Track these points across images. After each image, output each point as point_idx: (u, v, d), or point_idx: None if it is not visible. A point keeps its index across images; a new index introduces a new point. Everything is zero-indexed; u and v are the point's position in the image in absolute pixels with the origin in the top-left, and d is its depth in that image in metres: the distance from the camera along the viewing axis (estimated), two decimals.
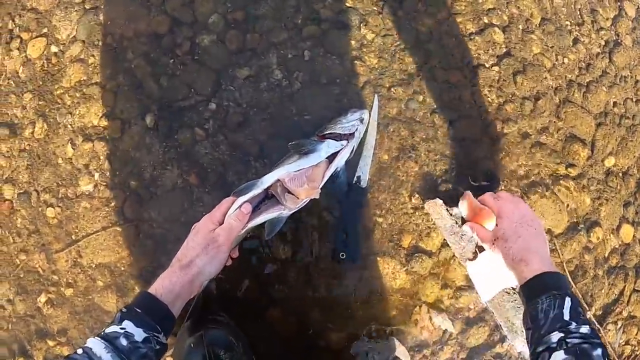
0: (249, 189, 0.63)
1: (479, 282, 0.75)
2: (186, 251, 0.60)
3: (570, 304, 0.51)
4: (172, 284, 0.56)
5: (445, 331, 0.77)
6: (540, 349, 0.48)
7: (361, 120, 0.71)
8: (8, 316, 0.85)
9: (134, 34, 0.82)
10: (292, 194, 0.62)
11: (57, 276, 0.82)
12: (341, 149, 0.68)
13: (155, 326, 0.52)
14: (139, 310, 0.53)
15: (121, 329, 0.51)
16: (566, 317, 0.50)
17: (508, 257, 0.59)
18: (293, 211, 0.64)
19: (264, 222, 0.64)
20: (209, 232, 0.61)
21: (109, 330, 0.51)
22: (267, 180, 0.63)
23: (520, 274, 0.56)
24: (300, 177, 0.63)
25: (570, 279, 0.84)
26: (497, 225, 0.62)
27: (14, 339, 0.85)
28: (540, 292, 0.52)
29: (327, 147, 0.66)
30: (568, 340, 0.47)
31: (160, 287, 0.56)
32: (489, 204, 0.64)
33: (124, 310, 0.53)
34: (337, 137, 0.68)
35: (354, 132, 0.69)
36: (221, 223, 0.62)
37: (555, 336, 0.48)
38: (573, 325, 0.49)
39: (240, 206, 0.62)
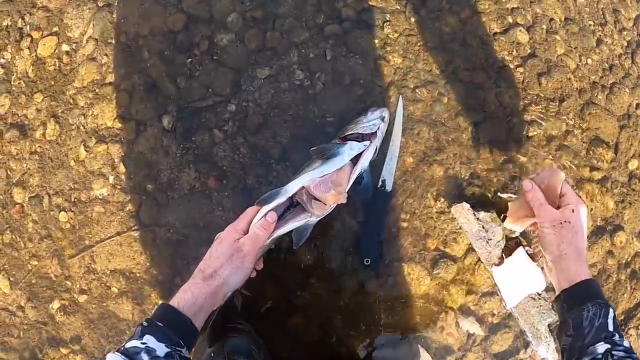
0: (273, 198, 0.61)
1: (504, 287, 0.74)
2: (210, 261, 0.58)
3: (613, 314, 0.50)
4: (194, 297, 0.54)
5: (469, 337, 0.76)
6: (586, 359, 0.47)
7: (382, 119, 0.69)
8: (19, 323, 0.83)
9: (149, 32, 0.79)
10: (319, 201, 0.60)
11: (70, 282, 0.80)
12: (364, 150, 0.66)
13: (178, 341, 0.50)
14: (161, 324, 0.50)
15: (142, 343, 0.48)
16: (610, 327, 0.49)
17: (558, 249, 0.57)
18: (320, 218, 0.62)
19: (290, 231, 0.62)
20: (234, 241, 0.59)
21: (129, 345, 0.48)
22: (292, 188, 0.62)
23: (574, 270, 0.54)
24: (325, 183, 0.61)
25: None
26: (573, 211, 0.58)
27: (26, 347, 0.83)
28: (586, 299, 0.51)
29: (350, 149, 0.64)
30: (614, 352, 0.46)
31: (183, 299, 0.54)
32: (567, 191, 0.61)
33: (145, 323, 0.51)
34: (359, 138, 0.66)
35: (375, 132, 0.67)
36: (246, 232, 0.60)
37: (602, 347, 0.47)
38: (617, 337, 0.48)
39: (265, 215, 0.60)
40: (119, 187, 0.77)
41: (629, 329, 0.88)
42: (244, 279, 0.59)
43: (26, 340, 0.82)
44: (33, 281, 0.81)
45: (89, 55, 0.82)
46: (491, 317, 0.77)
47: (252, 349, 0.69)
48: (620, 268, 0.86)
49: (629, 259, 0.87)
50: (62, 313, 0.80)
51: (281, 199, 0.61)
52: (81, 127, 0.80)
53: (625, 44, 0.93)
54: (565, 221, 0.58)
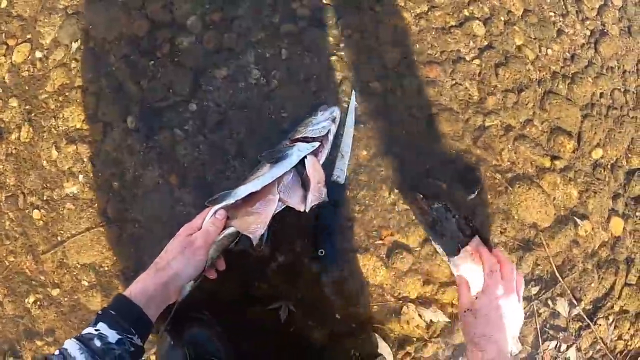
0: (223, 199, 0.64)
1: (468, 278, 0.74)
2: (164, 254, 0.62)
3: None
4: (145, 286, 0.57)
5: (429, 327, 0.76)
6: None
7: (333, 120, 0.70)
8: None
9: (114, 38, 0.83)
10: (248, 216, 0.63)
11: (44, 277, 0.84)
12: (320, 152, 0.67)
13: (128, 328, 0.53)
14: (113, 312, 0.53)
15: (95, 330, 0.52)
16: None
17: (469, 335, 0.60)
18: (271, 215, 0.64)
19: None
20: (187, 236, 0.63)
21: (84, 332, 0.52)
22: (241, 192, 0.64)
23: (470, 358, 0.56)
24: (294, 187, 0.64)
25: (557, 274, 0.82)
26: (476, 297, 0.61)
27: (4, 339, 0.87)
28: None
29: (299, 150, 0.65)
30: None
31: (134, 288, 0.57)
32: (484, 272, 0.63)
33: (100, 312, 0.54)
34: (309, 140, 0.67)
35: (326, 134, 0.68)
36: (198, 226, 0.64)
37: None
38: None
39: (214, 213, 0.64)
40: (87, 185, 0.81)
41: (598, 318, 0.87)
42: (197, 272, 0.62)
43: (5, 333, 0.86)
44: (10, 277, 0.85)
45: (60, 60, 0.86)
46: (450, 307, 0.78)
47: (212, 338, 0.72)
48: (587, 257, 0.86)
49: (596, 248, 0.86)
50: (37, 307, 0.83)
51: (230, 201, 0.64)
52: (53, 130, 0.84)
53: (588, 33, 0.93)
54: (468, 309, 0.61)
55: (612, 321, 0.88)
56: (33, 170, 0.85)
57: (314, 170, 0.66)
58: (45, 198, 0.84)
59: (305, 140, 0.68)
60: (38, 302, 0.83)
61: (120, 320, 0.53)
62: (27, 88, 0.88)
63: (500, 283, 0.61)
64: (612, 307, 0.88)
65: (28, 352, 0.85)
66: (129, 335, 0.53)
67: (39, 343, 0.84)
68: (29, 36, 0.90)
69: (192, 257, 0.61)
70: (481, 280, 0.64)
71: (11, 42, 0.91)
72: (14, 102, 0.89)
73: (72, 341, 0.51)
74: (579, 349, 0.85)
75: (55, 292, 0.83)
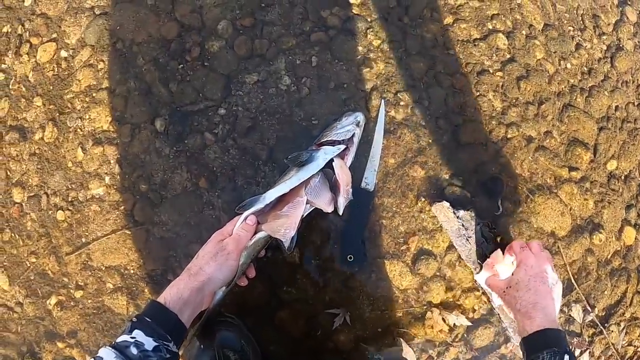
0: (252, 204, 0.65)
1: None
2: (196, 260, 0.62)
3: (568, 359, 0.54)
4: (180, 291, 0.57)
5: (451, 331, 0.78)
6: None
7: (357, 124, 0.71)
8: (18, 318, 0.86)
9: (143, 40, 0.83)
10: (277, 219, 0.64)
11: (67, 278, 0.83)
12: (346, 155, 0.68)
13: (165, 335, 0.53)
14: (149, 320, 0.53)
15: (131, 338, 0.52)
16: None
17: (514, 307, 0.61)
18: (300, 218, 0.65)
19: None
20: (218, 242, 0.63)
21: (119, 339, 0.52)
22: (270, 196, 0.65)
23: (523, 327, 0.58)
24: (322, 190, 0.65)
25: (574, 282, 0.85)
26: (513, 274, 0.64)
27: (23, 341, 0.86)
28: (541, 347, 0.54)
29: (324, 153, 0.66)
30: None
31: (169, 295, 0.57)
32: (514, 251, 0.66)
33: (135, 319, 0.54)
34: (334, 144, 0.69)
35: (351, 137, 0.70)
36: (229, 232, 0.64)
37: None
38: None
39: (245, 219, 0.65)
40: (114, 187, 0.81)
41: (611, 325, 0.90)
42: (229, 277, 0.63)
43: (24, 335, 0.85)
44: (31, 278, 0.85)
45: (86, 61, 0.86)
46: (472, 312, 0.80)
47: (241, 342, 0.72)
48: (600, 266, 0.89)
49: (609, 257, 0.89)
50: (59, 308, 0.83)
51: (259, 206, 0.65)
52: (78, 130, 0.84)
53: (605, 48, 0.96)
54: (507, 287, 0.64)
55: (623, 328, 0.91)
56: (57, 171, 0.84)
57: (342, 173, 0.68)
58: (69, 199, 0.83)
59: (331, 143, 0.69)
60: (60, 304, 0.83)
61: (156, 327, 0.53)
62: (51, 88, 0.88)
63: (531, 256, 0.64)
64: (623, 314, 0.91)
65: (48, 354, 0.84)
66: (165, 342, 0.53)
67: (60, 345, 0.84)
68: (54, 35, 0.90)
69: (225, 262, 0.61)
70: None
71: (35, 41, 0.91)
72: (38, 102, 0.88)
73: (107, 349, 0.50)
74: (592, 354, 0.88)
75: (78, 294, 0.82)
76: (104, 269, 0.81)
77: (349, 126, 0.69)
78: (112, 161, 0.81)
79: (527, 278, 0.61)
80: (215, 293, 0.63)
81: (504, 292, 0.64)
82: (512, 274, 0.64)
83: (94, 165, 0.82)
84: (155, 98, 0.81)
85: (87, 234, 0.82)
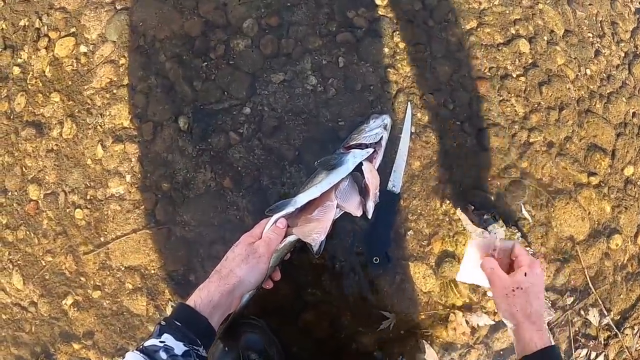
0: (283, 207, 0.65)
1: (467, 261, 0.72)
2: (226, 262, 0.61)
3: None
4: (210, 295, 0.56)
5: (473, 333, 0.79)
6: None
7: (384, 127, 0.71)
8: (32, 318, 0.84)
9: (166, 36, 0.82)
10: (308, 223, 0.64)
11: (84, 278, 0.82)
12: (374, 158, 0.69)
13: (195, 339, 0.52)
14: (179, 324, 0.52)
15: (160, 342, 0.50)
16: None
17: (524, 312, 0.57)
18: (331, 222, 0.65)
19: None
20: (249, 244, 0.62)
21: (147, 343, 0.50)
22: (301, 200, 0.65)
23: (530, 338, 0.55)
24: (351, 193, 0.65)
25: (591, 285, 0.86)
26: (526, 274, 0.59)
27: (37, 342, 0.84)
28: None
29: (354, 157, 0.66)
30: None
31: (199, 298, 0.55)
32: (520, 252, 0.62)
33: (163, 323, 0.52)
34: (362, 147, 0.69)
35: (379, 140, 0.70)
36: (260, 239, 0.63)
37: None
38: None
39: (275, 222, 0.64)
40: (135, 185, 0.79)
41: (625, 328, 0.91)
42: (259, 280, 0.62)
43: (38, 335, 0.83)
44: (47, 277, 0.83)
45: (107, 57, 0.84)
46: (493, 315, 0.80)
47: (265, 344, 0.71)
48: (617, 270, 0.90)
49: (625, 262, 0.91)
50: (75, 309, 0.81)
51: (290, 209, 0.65)
52: (98, 127, 0.82)
53: (623, 55, 0.97)
54: (517, 287, 0.58)
55: (637, 331, 0.92)
56: (76, 169, 0.83)
57: (372, 176, 0.68)
58: (88, 197, 0.81)
59: (360, 147, 0.69)
60: (77, 304, 0.81)
61: (186, 331, 0.52)
62: (70, 83, 0.86)
63: (539, 265, 0.61)
64: (637, 317, 0.92)
65: (64, 355, 0.83)
66: (195, 347, 0.52)
67: (75, 346, 0.82)
68: (72, 30, 0.88)
69: (256, 265, 0.60)
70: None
71: (53, 35, 0.89)
72: (55, 97, 0.86)
73: (135, 354, 0.49)
74: (607, 357, 0.90)
75: (96, 295, 0.81)
76: (123, 269, 0.79)
77: (377, 129, 0.69)
78: (133, 159, 0.80)
79: (540, 284, 0.57)
80: (242, 296, 0.62)
81: (508, 295, 0.57)
82: (525, 275, 0.58)
83: (114, 163, 0.81)
84: (179, 96, 0.80)
85: (106, 233, 0.80)
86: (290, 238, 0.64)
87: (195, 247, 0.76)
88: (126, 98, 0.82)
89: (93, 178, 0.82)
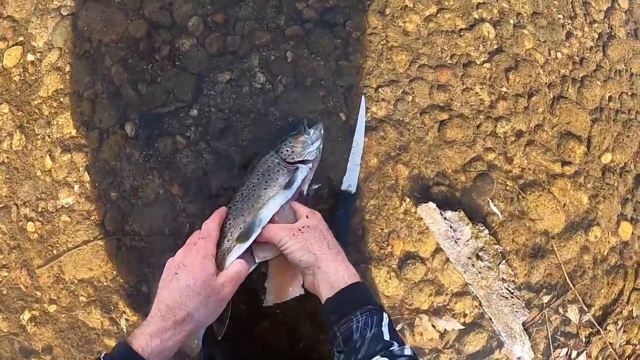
0: (252, 230, 0.58)
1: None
2: (180, 299, 0.50)
3: (387, 320, 0.45)
4: (162, 345, 0.47)
5: (442, 337, 0.75)
6: None
7: (322, 137, 0.67)
8: None
9: (111, 39, 0.79)
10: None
11: (39, 292, 0.80)
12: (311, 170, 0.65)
13: None
14: None
15: None
16: (386, 336, 0.43)
17: (320, 243, 0.51)
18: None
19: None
20: (210, 278, 0.51)
21: None
22: (265, 217, 0.59)
23: (335, 270, 0.48)
24: (286, 212, 0.61)
25: (569, 281, 0.82)
26: (307, 216, 0.55)
27: None
28: (354, 307, 0.46)
29: (301, 173, 0.64)
30: None
31: (149, 346, 0.47)
32: (296, 207, 0.59)
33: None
34: (305, 162, 0.65)
35: (317, 156, 0.67)
36: (214, 255, 0.54)
37: None
38: (395, 346, 0.42)
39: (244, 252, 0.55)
40: (84, 195, 0.77)
41: (607, 324, 0.87)
42: (215, 319, 0.53)
43: None
44: (4, 292, 0.81)
45: (53, 64, 0.82)
46: (463, 317, 0.76)
47: (221, 353, 0.68)
48: (597, 264, 0.85)
49: (605, 254, 0.86)
50: (32, 324, 0.79)
51: (258, 231, 0.58)
52: (46, 137, 0.80)
53: (596, 36, 0.92)
54: (304, 226, 0.53)
55: (621, 326, 0.87)
56: (26, 181, 0.81)
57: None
58: (39, 210, 0.79)
59: (304, 162, 0.65)
60: (34, 319, 0.79)
61: None
62: (18, 93, 0.84)
63: (304, 209, 0.57)
64: (620, 312, 0.87)
65: None
66: None
67: None
68: (20, 39, 0.85)
69: (218, 308, 0.52)
70: None
71: (2, 45, 0.86)
72: (4, 108, 0.84)
73: None
74: (589, 356, 0.85)
75: (52, 309, 0.79)
76: (76, 281, 0.77)
77: (317, 142, 0.66)
78: (81, 169, 0.77)
79: (322, 226, 0.53)
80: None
81: (295, 234, 0.52)
82: (307, 217, 0.54)
83: (62, 174, 0.79)
84: (124, 101, 0.77)
85: (58, 245, 0.78)
86: (256, 264, 0.60)
87: (146, 257, 0.73)
88: (73, 106, 0.79)
89: (43, 190, 0.80)
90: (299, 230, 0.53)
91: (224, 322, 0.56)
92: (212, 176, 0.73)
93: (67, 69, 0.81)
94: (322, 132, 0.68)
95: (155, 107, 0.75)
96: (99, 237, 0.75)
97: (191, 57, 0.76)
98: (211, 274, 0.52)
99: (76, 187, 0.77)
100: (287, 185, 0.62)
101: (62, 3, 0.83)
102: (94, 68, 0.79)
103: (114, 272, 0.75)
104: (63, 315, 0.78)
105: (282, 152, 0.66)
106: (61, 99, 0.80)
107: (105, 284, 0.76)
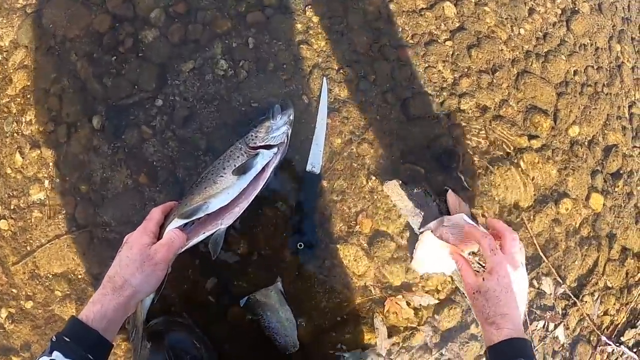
0: (195, 212, 0.60)
1: (419, 253, 0.72)
2: (119, 269, 0.56)
3: None
4: (104, 309, 0.53)
5: (417, 314, 0.75)
6: None
7: (290, 123, 0.68)
8: None
9: (76, 35, 0.80)
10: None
11: (16, 290, 0.80)
12: (272, 158, 0.65)
13: (85, 355, 0.50)
14: (68, 340, 0.50)
15: None
16: None
17: (482, 314, 0.58)
18: (230, 223, 0.63)
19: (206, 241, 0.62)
20: (145, 247, 0.57)
21: None
22: (213, 205, 0.61)
23: (489, 336, 0.56)
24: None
25: (541, 253, 0.82)
26: (484, 279, 0.59)
27: None
28: (508, 357, 0.52)
29: (262, 158, 0.64)
30: None
31: (91, 312, 0.53)
32: (484, 253, 0.60)
33: (54, 339, 0.51)
34: (269, 148, 0.65)
35: (284, 141, 0.67)
36: (156, 235, 0.60)
37: None
38: None
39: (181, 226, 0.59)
40: (54, 190, 0.77)
41: (584, 295, 0.87)
42: (157, 286, 0.58)
43: None
44: None
45: (20, 62, 0.82)
46: (437, 293, 0.77)
47: (193, 341, 0.69)
48: (569, 235, 0.86)
49: (578, 226, 0.86)
50: (10, 321, 0.79)
51: (201, 214, 0.61)
52: (15, 134, 0.80)
53: (559, 12, 0.93)
54: (477, 291, 0.58)
55: (598, 297, 0.88)
56: None
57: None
58: (12, 207, 0.80)
59: (267, 147, 0.65)
60: (11, 316, 0.79)
61: (75, 347, 0.50)
62: None
63: (504, 261, 0.59)
64: (596, 283, 0.88)
65: None
66: None
67: (14, 359, 0.81)
68: None
69: (153, 273, 0.56)
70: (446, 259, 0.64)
71: None
72: None
73: None
74: (566, 327, 0.85)
75: (28, 305, 0.79)
76: (51, 276, 0.77)
77: (283, 127, 0.66)
78: (50, 164, 0.78)
79: (500, 289, 0.57)
80: (142, 301, 0.59)
81: (473, 295, 0.59)
82: (483, 280, 0.58)
83: (33, 170, 0.79)
84: (91, 94, 0.77)
85: (31, 241, 0.78)
86: (191, 242, 0.61)
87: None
88: (40, 102, 0.79)
89: (15, 187, 0.80)
90: (474, 294, 0.59)
91: (159, 290, 0.59)
92: (178, 164, 0.73)
93: (34, 66, 0.81)
94: (292, 117, 0.68)
95: (120, 99, 0.76)
96: (71, 230, 0.75)
97: (154, 48, 0.76)
98: (146, 244, 0.58)
99: (46, 182, 0.78)
100: (242, 171, 0.62)
101: (27, 1, 0.84)
102: (60, 64, 0.80)
103: (87, 265, 0.75)
104: (40, 311, 0.79)
105: (247, 137, 0.67)
106: (28, 96, 0.81)
107: (79, 277, 0.76)
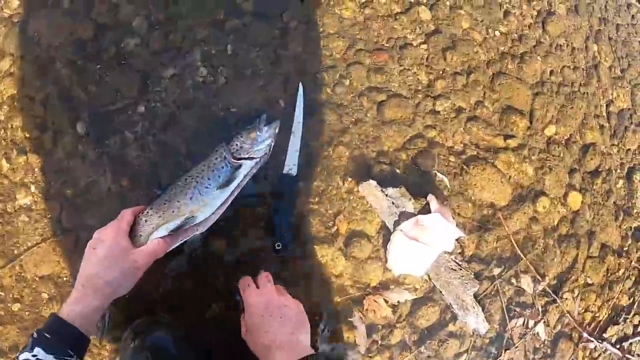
0: (183, 227, 0.63)
1: (394, 253, 0.73)
2: (100, 269, 0.59)
3: None
4: (85, 308, 0.56)
5: (395, 311, 0.76)
6: None
7: (275, 136, 0.68)
8: None
9: (60, 43, 0.82)
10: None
11: (3, 292, 0.82)
12: (252, 169, 0.67)
13: (67, 351, 0.52)
14: (49, 336, 0.53)
15: (33, 355, 0.51)
16: None
17: (256, 351, 0.58)
18: (206, 228, 0.65)
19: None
20: (126, 251, 0.60)
21: (21, 357, 0.52)
22: (200, 218, 0.64)
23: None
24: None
25: (519, 251, 0.83)
26: (244, 317, 0.60)
27: None
28: None
29: (244, 169, 0.66)
30: None
31: (73, 312, 0.56)
32: (241, 291, 0.63)
33: (35, 335, 0.53)
34: (252, 159, 0.66)
35: (267, 152, 0.68)
36: (127, 233, 0.62)
37: None
38: None
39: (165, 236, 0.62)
40: (40, 195, 0.79)
41: (564, 293, 0.88)
42: (131, 287, 0.61)
43: None
44: None
45: (7, 70, 0.85)
46: (414, 291, 0.78)
47: (174, 341, 0.71)
48: (547, 233, 0.87)
49: (556, 224, 0.88)
50: None
51: (186, 227, 0.63)
52: (2, 141, 0.83)
53: (535, 13, 0.94)
54: (246, 333, 0.59)
55: (578, 294, 0.89)
56: None
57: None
58: None
59: (251, 158, 0.66)
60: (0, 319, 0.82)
61: (56, 344, 0.52)
62: None
63: (253, 294, 0.61)
64: (576, 280, 0.89)
65: None
66: (67, 358, 0.53)
67: None
68: None
69: (133, 276, 0.60)
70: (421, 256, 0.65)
71: None
72: None
73: None
74: (547, 324, 0.86)
75: (15, 308, 0.81)
76: (37, 279, 0.79)
77: (268, 140, 0.67)
78: (36, 169, 0.80)
79: (259, 320, 0.58)
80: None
81: (246, 338, 0.60)
82: (244, 318, 0.60)
83: (19, 175, 0.81)
84: (75, 101, 0.80)
85: (18, 245, 0.80)
86: (171, 247, 0.64)
87: None
88: (26, 109, 0.82)
89: (2, 192, 0.82)
90: (246, 337, 0.60)
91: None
92: (160, 168, 0.75)
93: (19, 74, 0.84)
94: (277, 130, 0.68)
95: (104, 105, 0.78)
96: (56, 234, 0.77)
97: (136, 55, 0.79)
98: (126, 248, 0.61)
99: (32, 187, 0.80)
100: (226, 184, 0.64)
101: (13, 11, 0.86)
102: (45, 72, 0.82)
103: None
104: (27, 313, 0.80)
105: (232, 145, 0.68)
106: (15, 104, 0.83)
107: (65, 279, 0.78)
